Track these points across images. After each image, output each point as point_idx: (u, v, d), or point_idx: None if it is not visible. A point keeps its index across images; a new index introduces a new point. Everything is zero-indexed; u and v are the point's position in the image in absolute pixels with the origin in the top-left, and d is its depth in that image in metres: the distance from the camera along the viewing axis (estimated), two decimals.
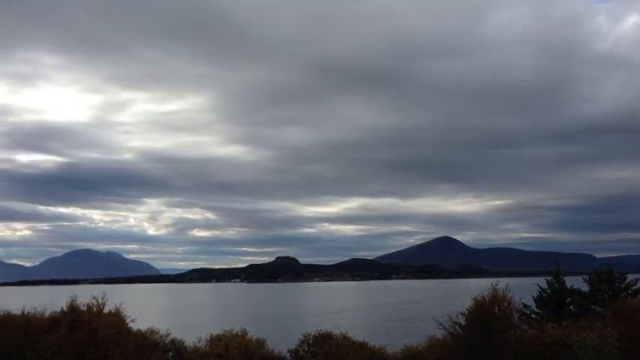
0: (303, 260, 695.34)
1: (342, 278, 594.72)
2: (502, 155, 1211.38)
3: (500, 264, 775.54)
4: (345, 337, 39.89)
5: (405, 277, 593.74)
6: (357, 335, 46.19)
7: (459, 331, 34.88)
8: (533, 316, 43.02)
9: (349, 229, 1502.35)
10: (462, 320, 34.98)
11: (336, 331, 41.83)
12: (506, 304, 34.65)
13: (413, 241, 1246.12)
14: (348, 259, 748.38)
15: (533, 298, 44.93)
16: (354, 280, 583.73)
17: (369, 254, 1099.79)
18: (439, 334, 37.97)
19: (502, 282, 35.65)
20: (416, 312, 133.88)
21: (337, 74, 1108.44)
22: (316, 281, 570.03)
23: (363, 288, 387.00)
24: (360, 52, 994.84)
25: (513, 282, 42.74)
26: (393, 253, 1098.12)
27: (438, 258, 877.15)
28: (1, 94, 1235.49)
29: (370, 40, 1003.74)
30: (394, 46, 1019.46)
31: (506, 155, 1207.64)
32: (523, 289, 43.70)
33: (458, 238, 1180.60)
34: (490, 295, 34.51)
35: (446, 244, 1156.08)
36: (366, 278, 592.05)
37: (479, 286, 35.86)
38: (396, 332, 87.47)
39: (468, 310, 34.97)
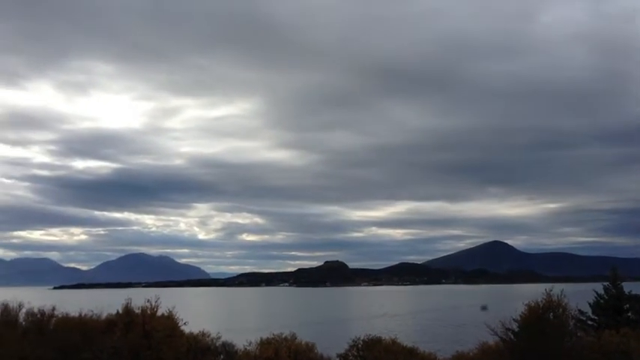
0: (351, 265, 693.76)
1: (390, 283, 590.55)
2: (556, 157, 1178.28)
3: (554, 269, 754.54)
4: (394, 342, 39.58)
5: (454, 282, 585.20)
6: (407, 340, 45.78)
7: (512, 337, 34.12)
8: (589, 323, 41.76)
9: (398, 233, 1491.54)
10: (514, 327, 34.21)
11: (386, 336, 41.56)
12: (561, 310, 33.69)
13: (462, 245, 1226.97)
14: (396, 263, 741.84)
15: (589, 304, 43.62)
16: (402, 284, 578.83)
17: (417, 258, 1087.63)
18: (491, 340, 37.24)
19: (556, 287, 34.71)
20: (467, 317, 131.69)
21: (385, 77, 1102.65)
22: (364, 286, 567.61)
23: (412, 293, 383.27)
24: (409, 53, 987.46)
25: (568, 288, 41.56)
26: (442, 257, 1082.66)
27: (489, 263, 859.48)
28: (57, 103, 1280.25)
29: (418, 42, 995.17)
30: (443, 47, 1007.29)
31: (561, 157, 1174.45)
32: (579, 295, 42.47)
33: (509, 242, 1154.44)
34: (544, 301, 33.62)
35: (496, 248, 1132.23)
36: (415, 283, 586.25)
37: (532, 292, 35.05)
38: (446, 338, 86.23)
39: (521, 316, 34.18)
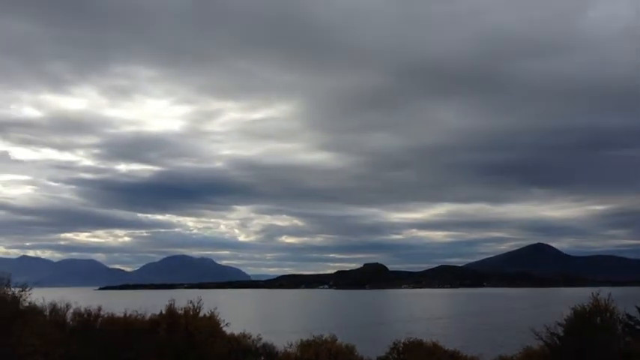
0: (391, 267, 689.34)
1: (430, 285, 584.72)
2: (604, 157, 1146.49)
3: (601, 272, 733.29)
4: (436, 345, 39.21)
5: (496, 285, 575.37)
6: (449, 344, 45.25)
7: (557, 342, 33.37)
8: (638, 327, 40.46)
9: (438, 236, 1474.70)
10: (560, 331, 33.45)
11: (427, 339, 41.19)
12: (608, 314, 32.79)
13: (505, 247, 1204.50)
14: (437, 265, 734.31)
15: (638, 308, 42.28)
16: (443, 287, 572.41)
17: (458, 261, 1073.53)
18: (535, 345, 36.49)
19: (604, 291, 33.81)
20: (510, 321, 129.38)
21: (425, 77, 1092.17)
22: (404, 288, 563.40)
23: (453, 295, 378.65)
24: (449, 53, 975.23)
25: (616, 291, 40.42)
26: (483, 259, 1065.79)
27: (532, 265, 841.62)
28: (102, 108, 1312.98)
29: (459, 41, 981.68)
30: (484, 46, 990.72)
31: (609, 157, 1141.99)
32: (627, 299, 41.28)
33: (553, 244, 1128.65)
34: (591, 305, 32.78)
35: (540, 250, 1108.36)
36: (456, 285, 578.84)
37: (577, 296, 34.24)
38: (489, 342, 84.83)
39: (566, 320, 33.39)
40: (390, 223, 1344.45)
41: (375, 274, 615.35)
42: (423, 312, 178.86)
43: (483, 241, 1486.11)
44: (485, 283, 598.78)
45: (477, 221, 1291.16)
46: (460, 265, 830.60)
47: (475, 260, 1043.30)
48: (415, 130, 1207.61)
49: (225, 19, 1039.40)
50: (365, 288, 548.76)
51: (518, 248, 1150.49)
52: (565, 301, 46.90)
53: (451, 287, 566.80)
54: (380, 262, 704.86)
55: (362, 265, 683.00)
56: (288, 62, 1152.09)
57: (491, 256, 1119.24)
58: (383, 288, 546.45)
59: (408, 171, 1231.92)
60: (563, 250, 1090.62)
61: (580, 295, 34.01)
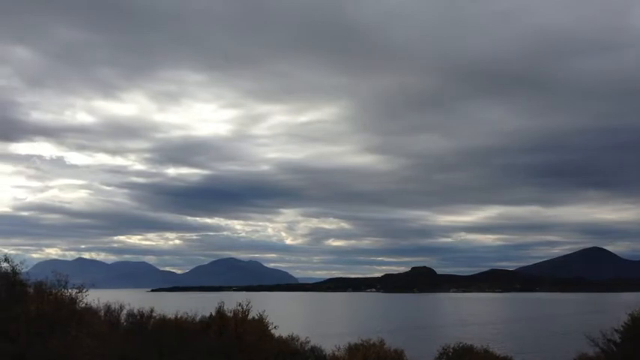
0: (439, 270, 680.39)
1: (480, 290, 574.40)
2: None
3: None
4: (487, 350, 38.58)
5: (549, 290, 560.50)
6: (500, 349, 44.45)
7: (614, 349, 32.33)
8: None
9: (488, 239, 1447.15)
10: (616, 337, 32.40)
11: (477, 345, 40.54)
12: None
13: (558, 251, 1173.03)
14: (487, 269, 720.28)
15: None
16: (493, 291, 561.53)
17: (509, 265, 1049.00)
18: (591, 351, 35.45)
19: None
20: (564, 327, 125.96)
21: (473, 77, 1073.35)
22: (453, 292, 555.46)
23: (504, 300, 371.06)
24: (497, 52, 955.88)
25: None
26: (535, 264, 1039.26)
27: (586, 270, 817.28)
28: (151, 113, 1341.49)
29: (507, 39, 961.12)
30: (534, 45, 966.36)
31: None
32: None
33: (609, 248, 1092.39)
34: None
35: (595, 254, 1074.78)
36: (507, 290, 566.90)
37: (635, 301, 33.07)
38: (542, 348, 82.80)
39: (624, 326, 32.33)
40: (439, 226, 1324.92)
41: (423, 277, 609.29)
42: (473, 317, 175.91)
43: (535, 245, 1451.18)
44: (537, 288, 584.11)
45: (528, 224, 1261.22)
46: (511, 269, 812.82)
47: (527, 264, 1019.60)
48: (464, 132, 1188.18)
49: (272, 23, 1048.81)
50: (413, 292, 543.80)
51: (572, 252, 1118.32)
52: (622, 306, 45.32)
53: (502, 292, 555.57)
54: (428, 265, 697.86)
55: (410, 269, 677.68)
56: (335, 65, 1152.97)
57: (544, 260, 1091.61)
58: (431, 292, 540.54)
59: (457, 173, 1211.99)
60: (619, 254, 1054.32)
61: (637, 301, 32.84)
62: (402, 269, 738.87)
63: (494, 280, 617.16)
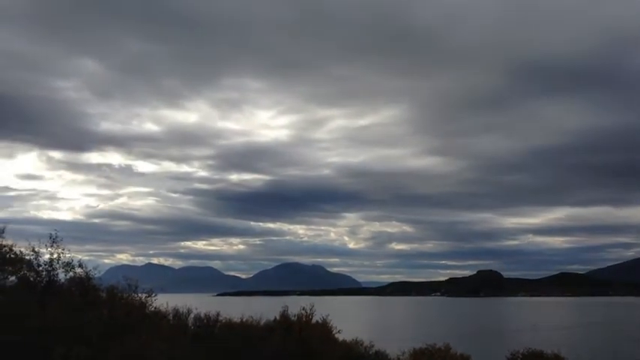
0: (506, 274, 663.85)
1: (549, 294, 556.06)
2: None
3: None
4: (557, 356, 37.32)
5: (624, 294, 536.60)
6: (571, 355, 42.88)
7: None
8: None
9: (556, 241, 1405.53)
10: None
11: (548, 350, 39.26)
12: None
13: (632, 253, 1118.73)
14: (556, 273, 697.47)
15: None
16: (563, 295, 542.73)
17: (579, 268, 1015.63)
18: None
19: None
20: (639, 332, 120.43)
21: (539, 75, 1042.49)
22: (521, 296, 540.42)
23: (575, 304, 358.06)
24: (564, 49, 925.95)
25: None
26: (608, 267, 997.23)
27: None
28: (214, 120, 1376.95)
29: (575, 36, 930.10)
30: (602, 40, 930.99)
31: None
32: None
33: None
34: None
35: None
36: (577, 294, 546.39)
37: None
38: (617, 353, 79.44)
39: None
40: (504, 228, 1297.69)
41: (490, 281, 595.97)
42: (542, 321, 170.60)
43: (608, 247, 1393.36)
44: (610, 292, 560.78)
45: (599, 225, 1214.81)
46: (581, 272, 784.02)
47: (598, 267, 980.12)
48: (529, 131, 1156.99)
49: (330, 27, 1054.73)
50: (479, 296, 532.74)
51: None
52: None
53: (572, 296, 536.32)
54: (494, 268, 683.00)
55: (475, 272, 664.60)
56: (394, 67, 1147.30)
57: (617, 262, 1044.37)
58: (498, 296, 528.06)
59: (523, 174, 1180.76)
60: None
61: None
62: (467, 273, 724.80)
63: (563, 284, 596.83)
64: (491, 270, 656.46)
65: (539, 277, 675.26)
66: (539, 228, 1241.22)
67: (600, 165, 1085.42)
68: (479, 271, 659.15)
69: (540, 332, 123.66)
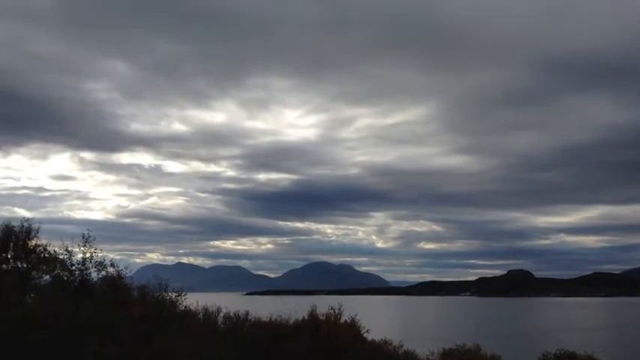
0: (537, 274, 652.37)
1: (582, 294, 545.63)
2: None
3: None
4: (590, 357, 36.68)
5: None
6: (605, 357, 42.10)
7: None
8: None
9: (590, 241, 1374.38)
10: None
11: (581, 351, 38.62)
12: None
13: None
14: (589, 273, 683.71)
15: None
16: (596, 296, 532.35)
17: (614, 268, 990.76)
18: None
19: None
20: None
21: (572, 71, 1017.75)
22: (553, 297, 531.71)
23: (609, 305, 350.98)
24: (598, 42, 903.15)
25: None
26: None
27: None
28: (241, 120, 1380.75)
29: (609, 29, 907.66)
30: (637, 34, 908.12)
31: None
32: None
33: None
34: None
35: None
36: (612, 295, 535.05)
37: None
38: None
39: None
40: (536, 227, 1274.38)
41: (520, 281, 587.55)
42: (575, 322, 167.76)
43: None
44: None
45: (635, 224, 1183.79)
46: (616, 272, 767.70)
47: (634, 267, 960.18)
48: (562, 128, 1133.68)
49: (357, 25, 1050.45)
50: (509, 296, 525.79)
51: None
52: None
53: (605, 296, 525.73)
54: (525, 268, 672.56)
55: (506, 272, 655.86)
56: (422, 64, 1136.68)
57: None
58: (529, 296, 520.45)
59: (555, 172, 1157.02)
60: None
61: None
62: (497, 272, 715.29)
63: (597, 284, 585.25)
64: (521, 270, 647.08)
65: (572, 277, 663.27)
66: (571, 227, 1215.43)
67: (635, 162, 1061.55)
68: (509, 271, 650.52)
69: (572, 333, 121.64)
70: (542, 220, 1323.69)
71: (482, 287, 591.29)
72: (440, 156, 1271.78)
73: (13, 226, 41.12)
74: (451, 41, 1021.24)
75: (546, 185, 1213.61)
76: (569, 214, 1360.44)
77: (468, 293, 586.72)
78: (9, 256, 41.44)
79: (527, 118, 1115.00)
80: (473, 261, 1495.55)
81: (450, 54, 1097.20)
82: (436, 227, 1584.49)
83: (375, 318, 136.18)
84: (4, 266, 40.89)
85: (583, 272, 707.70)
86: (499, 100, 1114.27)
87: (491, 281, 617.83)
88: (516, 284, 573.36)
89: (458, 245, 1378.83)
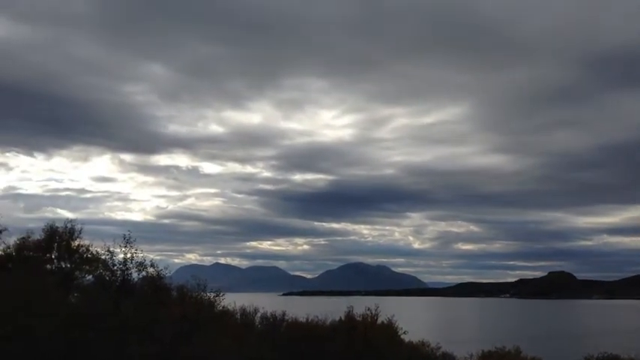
0: (579, 276, 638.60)
1: (627, 296, 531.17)
2: None
3: None
4: None
5: None
6: None
7: None
8: None
9: (634, 241, 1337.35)
10: None
11: (624, 355, 37.67)
12: None
13: None
14: (634, 275, 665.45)
15: None
16: None
17: None
18: None
19: None
20: None
21: (614, 66, 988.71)
22: (596, 299, 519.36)
23: None
24: None
25: None
26: None
27: None
28: (276, 120, 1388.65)
29: None
30: None
31: None
32: None
33: None
34: None
35: None
36: None
37: None
38: None
39: None
40: (577, 228, 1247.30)
41: (561, 283, 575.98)
42: (617, 324, 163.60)
43: None
44: None
45: None
46: None
47: None
48: (604, 126, 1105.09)
49: (392, 24, 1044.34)
50: (550, 298, 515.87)
51: None
52: None
53: None
54: (566, 270, 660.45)
55: (546, 274, 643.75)
56: (459, 63, 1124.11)
57: None
58: (570, 298, 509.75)
59: (597, 171, 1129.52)
60: None
61: None
62: (538, 274, 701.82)
63: None
64: (562, 271, 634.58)
65: (615, 279, 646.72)
66: (615, 227, 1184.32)
67: None
68: (550, 273, 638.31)
69: (615, 336, 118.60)
70: (584, 221, 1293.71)
71: (522, 289, 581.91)
72: (477, 155, 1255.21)
73: (57, 227, 42.44)
74: (489, 38, 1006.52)
75: (587, 185, 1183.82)
76: (611, 214, 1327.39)
77: (507, 295, 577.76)
78: (53, 257, 42.74)
79: (569, 116, 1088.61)
80: (512, 262, 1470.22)
81: (488, 51, 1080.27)
82: (474, 228, 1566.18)
83: (412, 319, 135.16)
84: (49, 266, 42.19)
85: (627, 274, 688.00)
86: (539, 98, 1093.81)
87: (531, 283, 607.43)
88: (557, 286, 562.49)
89: (496, 246, 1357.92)
